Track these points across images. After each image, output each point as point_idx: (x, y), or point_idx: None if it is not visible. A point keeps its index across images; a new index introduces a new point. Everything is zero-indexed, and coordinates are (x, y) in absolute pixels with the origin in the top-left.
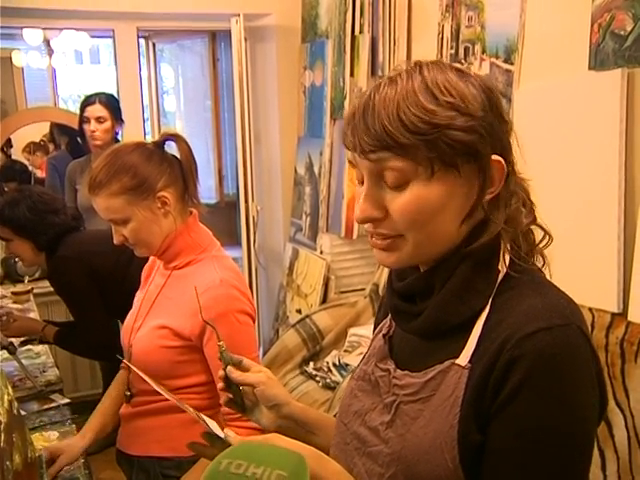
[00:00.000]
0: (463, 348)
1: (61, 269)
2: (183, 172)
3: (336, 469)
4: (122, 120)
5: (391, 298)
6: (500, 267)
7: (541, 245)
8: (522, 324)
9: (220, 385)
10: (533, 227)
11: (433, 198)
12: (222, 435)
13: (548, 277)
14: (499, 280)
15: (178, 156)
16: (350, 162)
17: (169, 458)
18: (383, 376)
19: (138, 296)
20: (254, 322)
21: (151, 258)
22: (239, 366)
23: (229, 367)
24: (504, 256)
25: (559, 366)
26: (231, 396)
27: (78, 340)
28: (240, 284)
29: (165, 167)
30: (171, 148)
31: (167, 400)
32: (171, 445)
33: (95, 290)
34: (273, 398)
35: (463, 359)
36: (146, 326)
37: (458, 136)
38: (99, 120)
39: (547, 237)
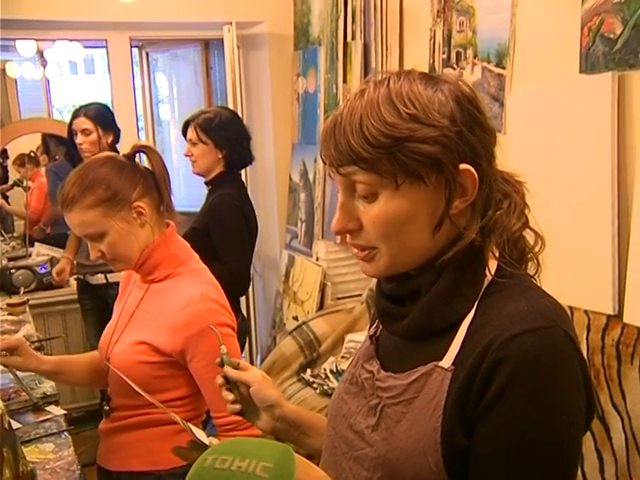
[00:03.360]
0: (447, 350)
1: (224, 202)
2: (157, 183)
3: (319, 475)
4: (114, 130)
5: (379, 299)
6: (487, 272)
7: (535, 250)
8: (506, 326)
9: (221, 381)
10: (528, 232)
11: (401, 210)
12: (207, 443)
13: (539, 283)
14: (485, 285)
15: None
16: (328, 175)
17: (148, 472)
18: (368, 378)
19: (116, 309)
20: (234, 332)
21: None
22: (237, 368)
23: (226, 367)
24: (490, 262)
25: (543, 368)
26: (231, 397)
27: (222, 269)
28: (219, 297)
29: (138, 177)
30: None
31: (146, 414)
32: (150, 459)
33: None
34: (266, 398)
35: (446, 361)
36: (124, 341)
37: (419, 148)
38: (85, 132)
39: (540, 242)
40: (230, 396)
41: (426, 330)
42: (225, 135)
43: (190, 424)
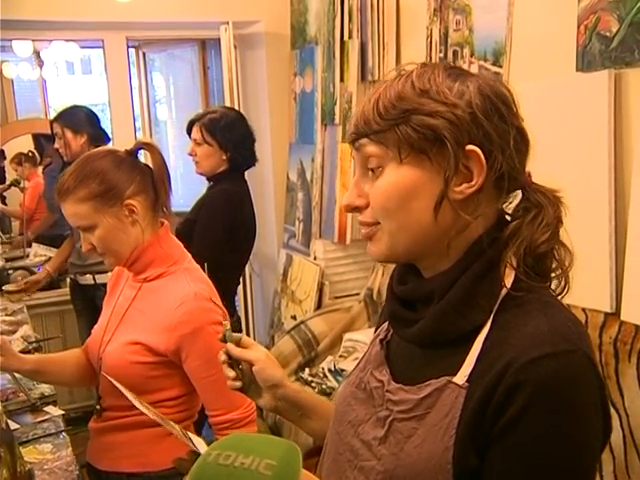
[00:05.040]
0: (461, 365)
1: (221, 196)
2: (154, 181)
3: None
4: (87, 130)
5: (391, 302)
6: (503, 283)
7: (565, 267)
8: (527, 348)
9: (223, 358)
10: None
11: (402, 184)
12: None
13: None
14: (502, 296)
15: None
16: (351, 156)
17: (138, 474)
18: (377, 387)
19: (105, 307)
20: None
21: (117, 267)
22: (239, 344)
23: (229, 344)
24: (508, 273)
25: (563, 394)
26: (232, 374)
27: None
28: (213, 296)
29: (135, 175)
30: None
31: (137, 415)
32: (140, 461)
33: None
34: (269, 378)
35: (460, 378)
36: (116, 341)
37: (424, 120)
38: (57, 136)
39: (569, 259)
40: (231, 373)
41: (437, 339)
42: (230, 137)
43: (190, 433)
